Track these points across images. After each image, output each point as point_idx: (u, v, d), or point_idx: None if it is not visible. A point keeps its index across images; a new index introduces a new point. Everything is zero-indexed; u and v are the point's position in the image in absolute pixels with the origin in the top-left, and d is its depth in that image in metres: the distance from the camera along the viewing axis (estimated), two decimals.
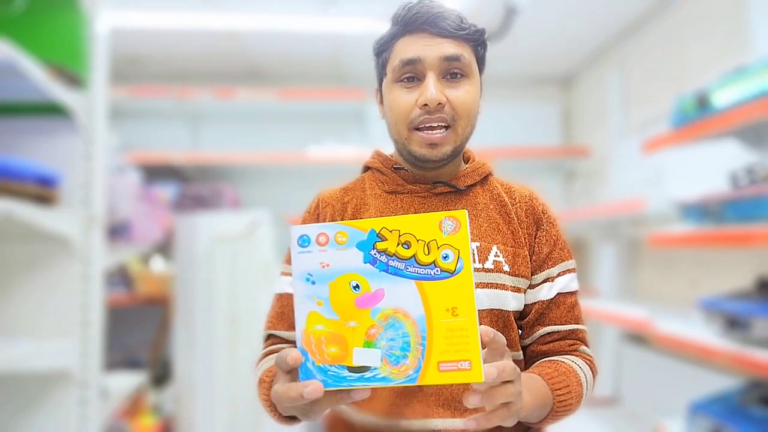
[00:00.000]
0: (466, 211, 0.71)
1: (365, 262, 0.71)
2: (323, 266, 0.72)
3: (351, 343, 0.71)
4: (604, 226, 3.67)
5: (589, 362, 0.95)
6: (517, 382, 0.72)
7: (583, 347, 0.97)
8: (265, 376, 0.91)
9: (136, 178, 2.39)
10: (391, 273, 0.70)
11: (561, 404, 0.86)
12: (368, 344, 0.70)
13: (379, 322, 0.70)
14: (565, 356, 0.94)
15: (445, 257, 0.69)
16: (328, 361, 0.71)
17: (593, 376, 0.95)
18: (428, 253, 0.70)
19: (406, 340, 0.69)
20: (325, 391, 0.71)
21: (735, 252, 2.64)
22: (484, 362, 0.69)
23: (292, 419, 0.85)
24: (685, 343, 2.14)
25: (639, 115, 3.59)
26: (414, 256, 0.70)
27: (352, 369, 0.70)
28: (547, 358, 0.95)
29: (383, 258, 0.70)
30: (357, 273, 0.71)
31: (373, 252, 0.71)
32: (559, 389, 0.86)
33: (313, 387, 0.70)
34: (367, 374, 0.70)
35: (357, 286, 0.71)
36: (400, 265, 0.70)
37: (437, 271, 0.69)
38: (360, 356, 0.70)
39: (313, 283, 0.72)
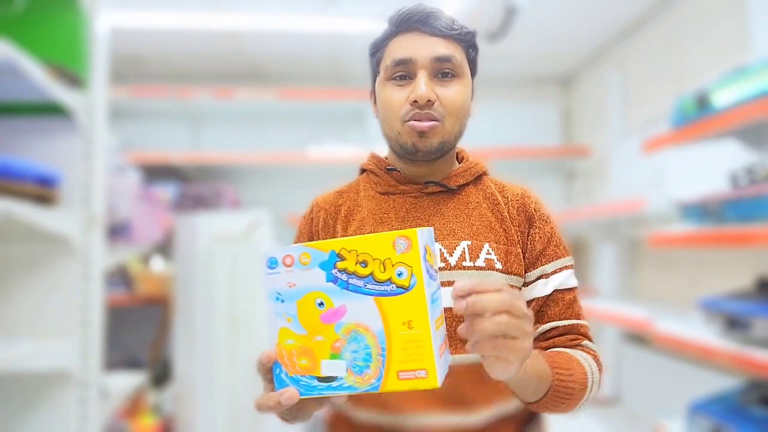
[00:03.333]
0: (418, 230, 0.74)
1: (328, 281, 0.76)
2: (290, 286, 0.78)
3: (319, 356, 0.77)
4: (604, 226, 3.67)
5: (593, 356, 0.94)
6: (522, 320, 0.70)
7: (586, 342, 0.96)
8: None
9: (136, 178, 2.39)
10: (351, 290, 0.76)
11: (562, 385, 0.84)
12: (334, 356, 0.76)
13: (342, 336, 0.76)
14: (567, 349, 0.94)
15: (400, 274, 0.74)
16: (299, 372, 0.78)
17: (600, 371, 0.93)
18: (384, 271, 0.75)
19: (368, 352, 0.75)
20: (302, 398, 0.77)
21: (735, 252, 2.64)
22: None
23: None
24: (685, 343, 2.14)
25: (639, 115, 3.59)
26: (371, 274, 0.75)
27: (321, 379, 0.77)
28: (549, 350, 0.94)
29: (344, 276, 0.76)
30: (321, 291, 0.77)
31: (334, 271, 0.76)
32: (560, 369, 0.85)
33: (288, 394, 0.76)
34: (335, 383, 0.76)
35: (321, 303, 0.77)
36: (359, 283, 0.76)
37: (393, 287, 0.75)
38: (327, 367, 0.77)
39: (282, 301, 0.78)
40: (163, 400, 3.15)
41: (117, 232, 2.13)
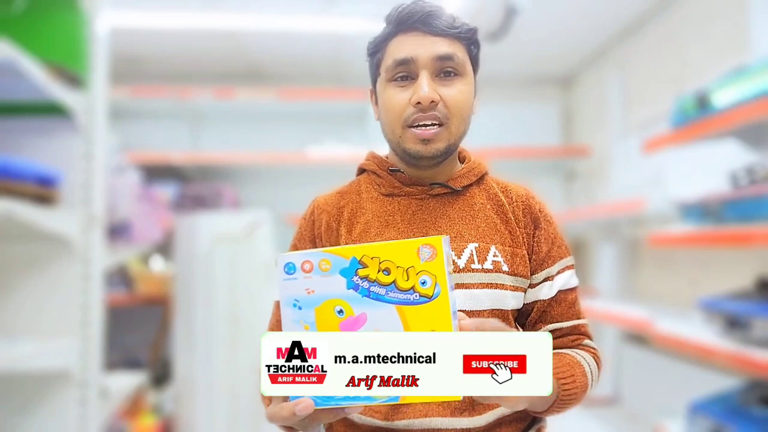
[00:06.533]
0: (442, 237, 0.73)
1: (348, 288, 0.75)
2: (309, 292, 0.76)
3: None
4: (604, 226, 3.67)
5: (593, 354, 0.96)
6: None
7: (587, 341, 0.98)
8: None
9: (136, 178, 2.39)
10: (372, 298, 0.74)
11: (566, 393, 0.86)
12: None
13: None
14: (569, 350, 0.95)
15: (423, 283, 0.73)
16: None
17: (598, 368, 0.95)
18: (407, 279, 0.73)
19: None
20: (317, 408, 0.74)
21: (735, 252, 2.64)
22: None
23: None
24: (685, 343, 2.14)
25: (639, 115, 3.59)
26: (394, 282, 0.74)
27: None
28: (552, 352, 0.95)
29: (365, 284, 0.74)
30: (341, 298, 0.75)
31: (355, 278, 0.75)
32: (564, 378, 0.86)
33: (303, 405, 0.73)
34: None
35: (341, 311, 0.75)
36: (381, 291, 0.74)
37: (416, 296, 0.73)
38: None
39: (300, 308, 0.76)
40: (163, 400, 3.16)
41: (117, 232, 2.13)
